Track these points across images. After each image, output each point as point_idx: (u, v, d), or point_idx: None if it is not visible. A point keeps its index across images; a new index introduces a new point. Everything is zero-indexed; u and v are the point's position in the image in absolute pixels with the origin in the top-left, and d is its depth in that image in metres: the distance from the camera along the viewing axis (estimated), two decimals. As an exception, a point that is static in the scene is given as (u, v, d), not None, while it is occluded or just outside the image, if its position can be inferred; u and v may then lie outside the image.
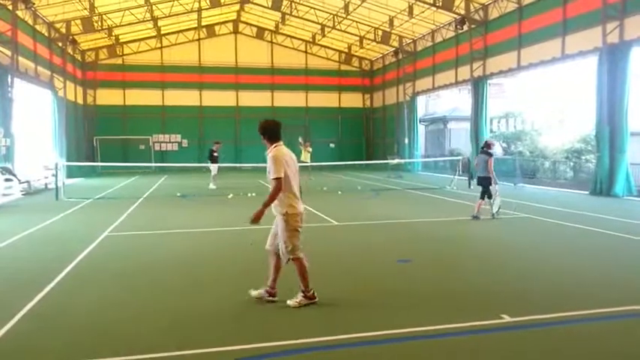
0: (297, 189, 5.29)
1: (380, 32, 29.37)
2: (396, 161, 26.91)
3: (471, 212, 11.50)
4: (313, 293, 5.28)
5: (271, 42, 35.65)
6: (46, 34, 24.70)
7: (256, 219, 5.05)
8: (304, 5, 28.82)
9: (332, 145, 36.76)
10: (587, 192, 16.79)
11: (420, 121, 31.86)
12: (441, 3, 23.16)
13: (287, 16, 30.74)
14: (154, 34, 32.29)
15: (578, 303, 5.32)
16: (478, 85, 23.42)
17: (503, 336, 4.50)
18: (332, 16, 29.27)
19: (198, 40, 34.36)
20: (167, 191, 18.74)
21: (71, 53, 29.08)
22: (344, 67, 37.22)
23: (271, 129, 5.33)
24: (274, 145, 5.25)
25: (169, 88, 34.10)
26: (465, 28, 23.71)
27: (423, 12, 25.22)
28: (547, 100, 29.07)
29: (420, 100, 31.96)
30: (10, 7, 19.73)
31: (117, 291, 5.96)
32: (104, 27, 27.33)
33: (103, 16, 26.12)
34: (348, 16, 28.24)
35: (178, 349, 4.14)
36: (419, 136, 31.27)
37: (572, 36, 17.92)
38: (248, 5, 31.07)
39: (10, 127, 18.53)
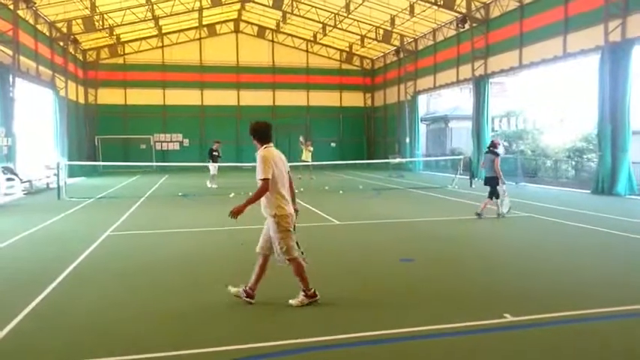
0: (287, 191, 5.27)
1: (381, 31, 29.35)
2: (397, 160, 26.88)
3: (475, 209, 11.45)
4: (314, 292, 5.27)
5: (272, 41, 35.63)
6: (48, 34, 24.70)
7: (235, 213, 5.00)
8: (305, 4, 28.79)
9: (333, 145, 36.74)
10: (588, 191, 16.76)
11: (421, 120, 31.82)
12: (442, 2, 23.12)
13: (288, 15, 30.71)
14: (155, 33, 32.29)
15: (580, 302, 5.31)
16: (479, 84, 23.38)
17: (506, 335, 4.48)
18: (333, 14, 29.24)
19: (199, 39, 34.35)
20: (168, 191, 18.74)
21: (72, 53, 29.09)
22: (345, 66, 37.19)
23: (261, 130, 5.31)
24: (264, 146, 5.24)
25: (170, 88, 34.11)
26: (467, 26, 23.67)
27: (424, 11, 25.19)
28: (549, 98, 29.02)
29: (422, 99, 31.91)
30: (12, 7, 19.73)
31: (118, 291, 5.96)
32: (105, 26, 27.34)
33: (104, 15, 26.11)
34: (350, 15, 28.20)
35: (178, 349, 4.13)
36: (420, 135, 31.24)
37: (574, 34, 17.88)
38: (249, 4, 31.05)
39: (11, 126, 18.55)
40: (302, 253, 5.43)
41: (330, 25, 30.77)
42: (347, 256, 7.79)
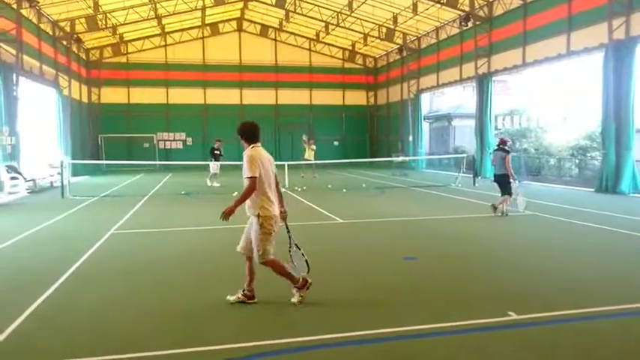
0: (273, 191, 5.25)
1: (384, 29, 29.30)
2: (400, 159, 26.85)
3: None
4: (305, 280, 5.27)
5: (275, 40, 35.62)
6: (51, 33, 24.75)
7: (227, 214, 4.98)
8: (308, 3, 28.76)
9: (336, 143, 36.73)
10: (592, 189, 16.71)
11: (424, 119, 31.77)
12: (445, 0, 23.07)
13: (291, 14, 30.70)
14: (158, 32, 32.33)
15: (584, 300, 5.30)
16: (483, 82, 23.34)
17: (510, 333, 4.47)
18: (336, 13, 29.21)
19: (202, 38, 34.37)
20: (172, 189, 18.78)
21: (76, 52, 29.14)
22: (348, 65, 37.16)
23: (249, 130, 5.31)
24: (252, 145, 5.24)
25: (173, 86, 34.14)
26: (470, 24, 23.63)
27: (427, 9, 25.13)
28: (552, 97, 28.93)
29: (425, 98, 31.86)
30: (15, 6, 19.77)
31: (122, 289, 5.98)
32: (108, 25, 27.38)
33: (107, 14, 26.15)
34: (352, 14, 28.18)
35: (181, 347, 4.15)
36: (423, 133, 31.20)
37: (578, 32, 17.82)
38: (252, 3, 31.05)
39: (15, 125, 18.58)
40: (303, 254, 5.43)
41: (332, 24, 30.74)
42: (350, 255, 7.79)
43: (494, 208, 11.25)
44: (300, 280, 5.27)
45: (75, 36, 26.56)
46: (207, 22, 32.66)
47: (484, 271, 6.69)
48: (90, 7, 24.15)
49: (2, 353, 4.09)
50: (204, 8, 29.52)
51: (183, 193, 17.27)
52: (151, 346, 4.20)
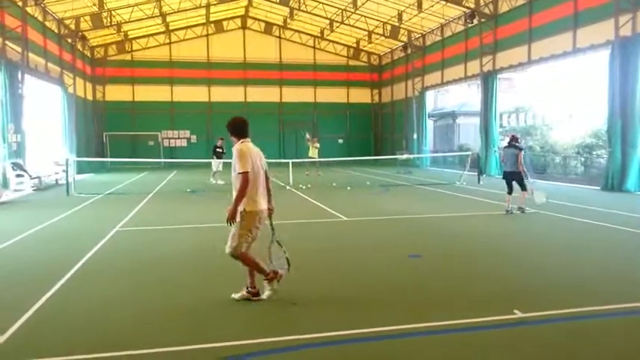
0: (261, 187, 5.19)
1: (389, 27, 29.23)
2: (404, 157, 26.80)
3: (513, 206, 11.27)
4: (273, 274, 5.22)
5: (279, 37, 35.60)
6: (56, 31, 24.83)
7: (231, 217, 4.97)
8: (312, 0, 28.71)
9: (340, 141, 36.71)
10: (598, 187, 16.64)
11: (428, 116, 31.71)
12: (450, -3, 23.02)
13: (295, 11, 30.65)
14: (163, 29, 32.37)
15: (590, 298, 5.28)
16: (488, 80, 23.25)
17: (516, 331, 4.46)
18: (340, 10, 29.16)
19: (207, 35, 34.40)
20: (176, 187, 18.81)
21: (80, 49, 29.22)
22: (352, 62, 37.10)
23: (237, 125, 5.27)
24: (241, 140, 5.20)
25: (178, 84, 34.19)
26: (475, 22, 23.55)
27: (432, 6, 25.04)
28: (558, 94, 28.81)
29: (429, 95, 31.79)
30: (20, 4, 19.84)
31: (128, 287, 5.99)
32: (113, 23, 27.43)
33: (112, 12, 26.20)
34: (357, 11, 28.11)
35: (186, 344, 4.16)
36: (428, 131, 31.14)
37: (584, 29, 17.72)
38: (256, 0, 31.03)
39: (21, 123, 18.65)
40: (284, 252, 5.40)
41: (337, 21, 30.70)
42: (355, 252, 7.78)
43: (522, 209, 11.09)
44: (271, 272, 5.22)
45: (80, 34, 26.62)
46: (211, 19, 32.67)
47: (489, 269, 6.66)
48: (95, 5, 24.19)
49: (11, 350, 4.10)
50: (208, 6, 29.53)
51: (188, 190, 17.30)
52: (155, 343, 4.21)
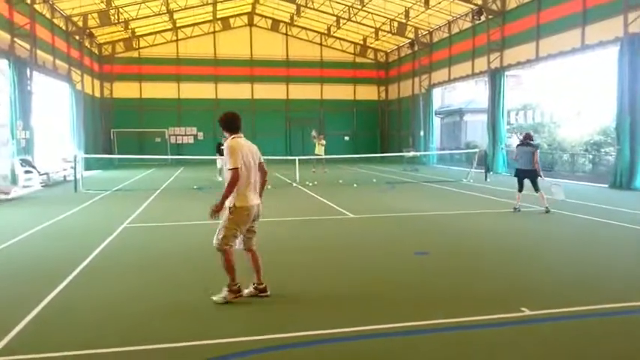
0: (253, 182, 5.16)
1: (395, 24, 29.14)
2: (411, 154, 26.76)
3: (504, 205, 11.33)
4: (239, 287, 5.17)
5: (286, 34, 35.59)
6: (64, 28, 24.95)
7: (215, 212, 4.98)
8: (319, -3, 28.71)
9: (347, 138, 36.69)
10: (606, 185, 16.54)
11: (435, 114, 31.61)
12: (457, -7, 22.90)
13: (302, 8, 30.62)
14: (170, 27, 32.45)
15: (598, 297, 5.26)
16: (495, 77, 23.14)
17: (524, 329, 4.45)
18: (347, 7, 29.11)
19: (214, 32, 34.44)
20: (183, 184, 18.87)
21: (88, 46, 29.35)
22: (359, 60, 37.03)
23: (229, 121, 5.24)
24: (233, 136, 5.18)
25: (185, 81, 34.27)
26: (483, 18, 23.43)
27: (439, 3, 24.95)
28: (566, 91, 28.63)
29: (436, 93, 31.68)
30: (29, 1, 19.95)
31: (136, 283, 6.03)
32: (120, 20, 27.53)
33: (120, 9, 26.29)
34: (364, 8, 28.06)
35: (193, 341, 4.19)
36: (434, 128, 31.05)
37: (593, 26, 17.59)
38: (263, -3, 31.06)
39: (29, 119, 18.78)
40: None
41: (344, 18, 30.65)
42: (361, 250, 7.78)
43: (547, 210, 11.02)
44: (237, 285, 5.16)
45: (87, 31, 26.75)
46: (218, 16, 32.70)
47: (497, 267, 6.65)
48: (102, 2, 24.28)
49: (16, 346, 4.13)
50: (215, 3, 29.56)
51: (195, 187, 17.35)
52: (167, 338, 4.23)
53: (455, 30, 27.33)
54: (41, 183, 17.92)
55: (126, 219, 10.51)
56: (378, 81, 37.64)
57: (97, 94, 31.93)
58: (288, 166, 21.89)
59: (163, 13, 28.74)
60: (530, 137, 11.45)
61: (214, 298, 5.15)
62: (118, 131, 33.07)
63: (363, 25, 31.15)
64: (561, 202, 11.85)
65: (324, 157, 23.35)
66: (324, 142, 23.63)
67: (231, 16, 33.99)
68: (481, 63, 24.54)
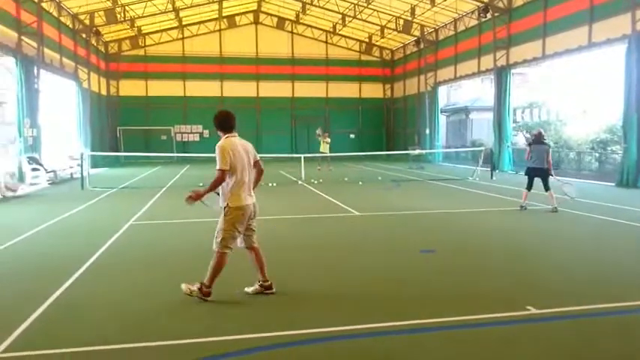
0: (247, 182, 5.13)
1: (401, 21, 29.05)
2: (417, 152, 26.70)
3: (547, 204, 11.14)
4: (210, 291, 5.12)
5: (292, 32, 35.57)
6: (71, 26, 25.05)
7: (191, 198, 5.02)
8: (325, -5, 28.67)
9: (352, 136, 36.66)
10: (613, 184, 16.47)
11: (441, 112, 31.54)
12: (464, -9, 22.82)
13: (308, 6, 30.61)
14: (176, 25, 32.50)
15: (605, 295, 5.25)
16: (501, 75, 23.05)
17: (529, 328, 4.45)
18: (353, 5, 29.04)
19: (219, 30, 34.46)
20: (189, 181, 18.89)
21: (95, 44, 29.45)
22: (364, 57, 36.96)
23: (222, 119, 5.22)
24: (226, 135, 5.17)
25: (191, 79, 34.33)
26: (489, 16, 23.33)
27: (445, 0, 24.85)
28: (572, 89, 28.50)
29: (442, 90, 31.60)
30: (36, 0, 20.04)
31: (142, 280, 6.07)
32: (127, 18, 27.60)
33: (126, 7, 26.37)
34: (369, 6, 27.99)
35: (200, 337, 4.22)
36: (440, 126, 30.97)
37: (600, 23, 17.47)
38: (269, -5, 31.05)
39: (36, 117, 18.88)
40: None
41: (349, 16, 30.59)
42: (366, 247, 7.79)
43: (555, 209, 10.96)
44: (209, 290, 5.11)
45: (94, 29, 26.83)
46: (224, 14, 32.74)
47: (503, 265, 6.64)
48: (109, 0, 24.36)
49: (22, 343, 4.16)
50: (221, 1, 29.60)
51: (200, 185, 17.33)
52: (166, 336, 4.26)
53: (461, 28, 27.24)
54: (48, 180, 18.02)
55: (132, 216, 10.56)
56: (384, 79, 37.57)
57: (104, 91, 32.05)
58: (294, 163, 21.91)
59: (169, 11, 28.79)
60: (543, 136, 11.41)
61: (183, 286, 5.16)
62: (124, 129, 33.18)
63: (369, 22, 31.08)
64: (569, 200, 11.80)
65: (329, 154, 23.37)
66: (329, 139, 23.65)
67: (237, 14, 34.00)
68: (487, 61, 24.45)
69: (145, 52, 33.82)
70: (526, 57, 21.69)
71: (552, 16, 20.02)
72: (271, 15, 34.65)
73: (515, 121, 25.55)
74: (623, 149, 16.35)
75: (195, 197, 5.03)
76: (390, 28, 31.03)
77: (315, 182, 17.52)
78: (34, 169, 17.54)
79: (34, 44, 19.49)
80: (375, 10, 28.69)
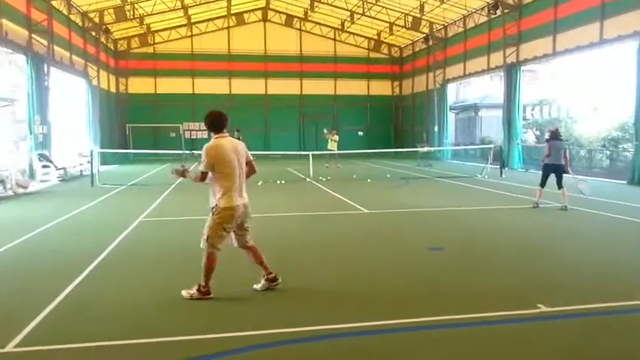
0: (237, 182, 5.11)
1: (410, 18, 28.92)
2: (425, 149, 26.60)
3: (559, 203, 11.04)
4: (209, 290, 5.12)
5: (300, 29, 35.55)
6: (80, 24, 25.19)
7: (178, 173, 5.26)
8: (333, -8, 28.60)
9: (360, 133, 36.59)
10: (624, 182, 16.31)
11: (450, 109, 31.38)
12: (473, -13, 22.67)
13: (316, 3, 30.56)
14: (185, 22, 32.59)
15: (615, 294, 5.19)
16: (511, 72, 22.90)
17: (540, 326, 4.41)
18: (361, 2, 28.94)
19: (228, 28, 34.51)
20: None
21: (104, 42, 29.60)
22: (373, 55, 36.86)
23: (213, 120, 5.20)
24: (216, 136, 5.17)
25: (199, 77, 34.42)
26: (498, 12, 23.16)
27: (454, -3, 24.73)
28: (583, 86, 28.22)
29: (451, 88, 31.43)
30: (46, -2, 20.19)
31: (152, 276, 6.11)
32: (136, 16, 27.71)
33: (135, 5, 26.47)
34: (378, 3, 27.90)
35: (208, 333, 4.23)
36: (449, 124, 30.83)
37: (611, 20, 17.30)
38: (277, -8, 31.03)
39: (47, 114, 19.01)
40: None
41: (358, 13, 30.50)
42: (374, 244, 7.77)
43: (565, 207, 10.87)
44: (207, 288, 5.12)
45: (103, 27, 26.96)
46: (232, 12, 32.77)
47: (513, 263, 6.60)
48: (118, -2, 24.49)
49: (33, 339, 4.19)
50: (229, -2, 29.61)
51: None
52: (174, 332, 4.28)
53: (470, 24, 27.07)
54: (58, 177, 18.15)
55: (141, 213, 10.61)
56: (392, 76, 37.45)
57: (113, 89, 32.21)
58: (302, 161, 21.90)
59: (178, 9, 28.86)
60: (559, 132, 11.37)
61: (183, 292, 5.17)
62: (133, 126, 33.32)
63: (378, 20, 30.96)
64: (583, 197, 11.70)
65: (337, 152, 23.36)
66: (336, 137, 23.63)
67: (246, 12, 34.03)
68: (497, 58, 24.29)
69: (154, 50, 33.94)
70: (536, 54, 21.52)
71: (563, 12, 19.84)
72: (279, 12, 34.64)
73: (524, 119, 25.36)
74: (634, 147, 16.19)
75: (180, 174, 5.26)
76: (398, 25, 30.90)
77: (324, 179, 17.51)
78: (44, 166, 17.67)
79: (45, 42, 19.62)
80: (383, 7, 28.58)
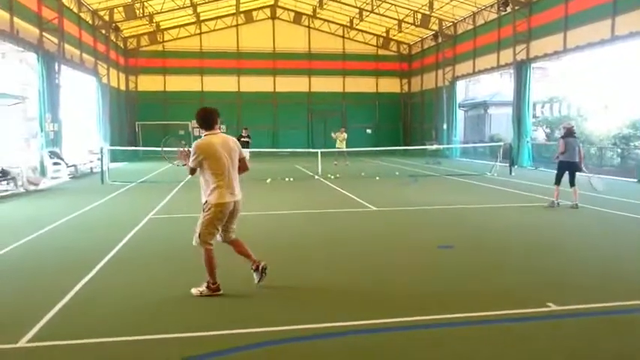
0: (228, 179, 5.11)
1: (419, 15, 28.80)
2: (434, 147, 26.50)
3: (569, 201, 10.94)
4: (218, 286, 5.14)
5: (309, 27, 35.51)
6: (90, 22, 25.33)
7: (182, 155, 5.39)
8: (342, -11, 28.52)
9: (369, 131, 36.51)
10: (635, 180, 16.17)
11: (459, 107, 31.24)
12: (483, -16, 22.52)
13: (324, 1, 30.48)
14: (194, 20, 32.66)
15: (626, 293, 5.15)
16: (521, 69, 22.73)
17: (549, 324, 4.38)
18: (370, -1, 28.89)
19: (236, 25, 34.55)
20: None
21: (114, 40, 29.75)
22: (382, 52, 36.75)
23: (204, 117, 5.22)
24: (206, 133, 5.19)
25: (208, 74, 34.51)
26: (509, 9, 23.01)
27: (464, -6, 24.59)
28: (593, 84, 27.96)
29: (460, 85, 31.28)
30: (57, -4, 20.31)
31: (161, 273, 6.14)
32: (145, 14, 27.83)
33: (145, 3, 26.58)
34: (387, 0, 27.77)
35: (216, 330, 4.25)
36: (458, 121, 30.69)
37: (623, 16, 17.11)
38: (286, -10, 31.00)
39: (57, 112, 19.15)
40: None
41: (366, 10, 30.41)
42: (384, 242, 7.76)
43: (576, 205, 10.78)
44: (216, 284, 5.15)
45: (113, 25, 27.11)
46: (241, 9, 32.75)
47: (522, 261, 6.56)
48: (128, -4, 24.59)
49: (44, 335, 4.23)
50: (238, -4, 29.61)
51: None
52: (182, 329, 4.30)
53: (480, 21, 26.91)
54: (69, 174, 18.29)
55: (151, 210, 10.67)
56: (401, 73, 37.32)
57: (123, 87, 32.39)
58: (310, 158, 21.88)
59: (187, 7, 28.94)
60: (574, 129, 11.31)
61: (193, 290, 5.18)
62: (143, 124, 33.50)
63: (386, 17, 30.86)
64: (595, 193, 11.61)
65: (345, 149, 23.33)
66: (345, 134, 23.61)
67: (254, 9, 34.05)
68: (507, 55, 24.13)
69: (164, 48, 34.07)
70: (547, 51, 21.35)
71: (574, 9, 19.67)
72: (288, 10, 34.62)
73: (534, 116, 25.18)
74: (646, 145, 16.05)
75: (182, 154, 5.37)
76: (407, 23, 30.78)
77: (332, 177, 17.50)
78: (55, 164, 17.82)
79: (55, 40, 19.74)
80: (392, 4, 28.48)
